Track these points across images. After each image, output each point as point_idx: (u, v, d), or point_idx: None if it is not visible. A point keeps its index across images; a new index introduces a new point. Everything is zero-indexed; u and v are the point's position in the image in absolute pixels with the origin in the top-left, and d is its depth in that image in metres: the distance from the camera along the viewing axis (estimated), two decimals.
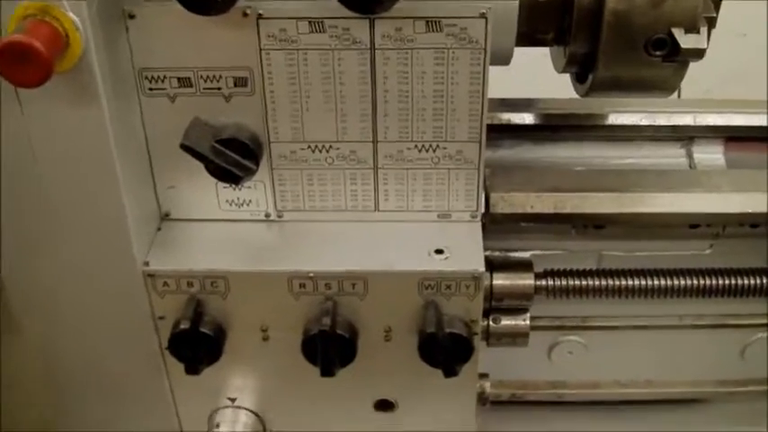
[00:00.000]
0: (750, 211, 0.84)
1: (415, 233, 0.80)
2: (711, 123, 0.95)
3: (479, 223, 0.80)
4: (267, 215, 0.81)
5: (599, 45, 0.72)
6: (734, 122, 0.96)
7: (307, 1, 0.70)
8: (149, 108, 0.75)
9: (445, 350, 0.77)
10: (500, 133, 0.93)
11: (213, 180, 0.76)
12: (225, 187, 0.79)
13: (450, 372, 0.77)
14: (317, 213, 0.81)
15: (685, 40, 0.70)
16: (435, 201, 0.80)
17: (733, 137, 0.96)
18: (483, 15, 0.70)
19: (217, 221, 0.81)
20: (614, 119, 0.92)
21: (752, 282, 0.85)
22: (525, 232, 0.86)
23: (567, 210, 0.82)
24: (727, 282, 0.84)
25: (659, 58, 0.72)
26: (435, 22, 0.70)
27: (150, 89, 0.74)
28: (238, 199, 0.80)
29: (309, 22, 0.71)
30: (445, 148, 0.77)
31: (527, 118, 0.94)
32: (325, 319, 0.76)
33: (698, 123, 0.94)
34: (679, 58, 0.71)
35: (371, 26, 0.71)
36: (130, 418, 0.88)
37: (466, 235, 0.80)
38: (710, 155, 0.94)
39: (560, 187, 0.83)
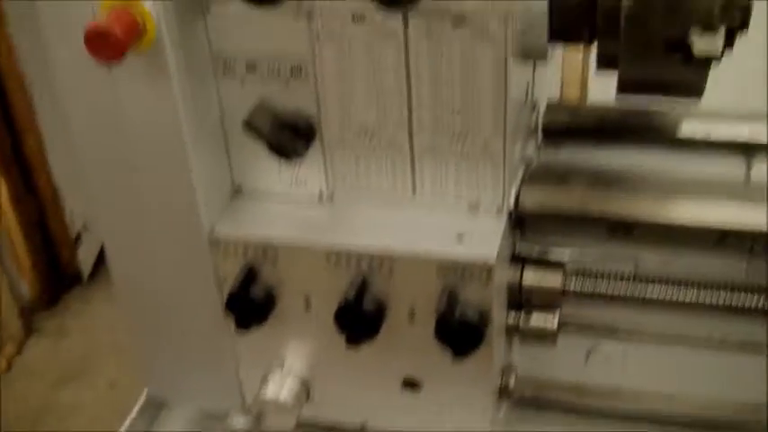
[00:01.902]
0: None
1: (444, 220, 0.85)
2: None
3: (505, 217, 0.84)
4: (320, 193, 0.89)
5: (620, 46, 0.74)
6: None
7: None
8: (224, 89, 0.86)
9: (455, 334, 0.81)
10: (560, 135, 0.97)
11: (274, 159, 0.85)
12: (287, 167, 0.88)
13: (457, 353, 0.81)
14: (362, 194, 0.88)
15: (699, 42, 0.70)
16: (466, 191, 0.85)
17: None
18: (505, 15, 0.75)
19: (278, 196, 0.90)
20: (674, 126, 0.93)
21: None
22: (562, 233, 0.88)
23: (593, 209, 0.83)
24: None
25: (678, 59, 0.73)
26: (461, 19, 0.76)
27: (224, 72, 0.85)
28: (297, 177, 0.89)
29: (353, 16, 0.78)
30: (473, 141, 0.82)
31: (585, 121, 0.97)
32: (351, 292, 0.83)
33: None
34: (695, 60, 0.71)
35: (405, 22, 0.77)
36: (197, 374, 0.99)
37: (489, 226, 0.84)
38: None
39: (592, 187, 0.85)
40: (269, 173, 0.90)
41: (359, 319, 0.83)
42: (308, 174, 0.89)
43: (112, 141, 0.85)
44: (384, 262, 0.83)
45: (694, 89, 0.76)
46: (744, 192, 0.87)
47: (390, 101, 0.82)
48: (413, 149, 0.84)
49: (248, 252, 0.87)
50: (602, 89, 0.86)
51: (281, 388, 0.92)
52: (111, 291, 0.96)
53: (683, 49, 0.72)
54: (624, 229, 0.84)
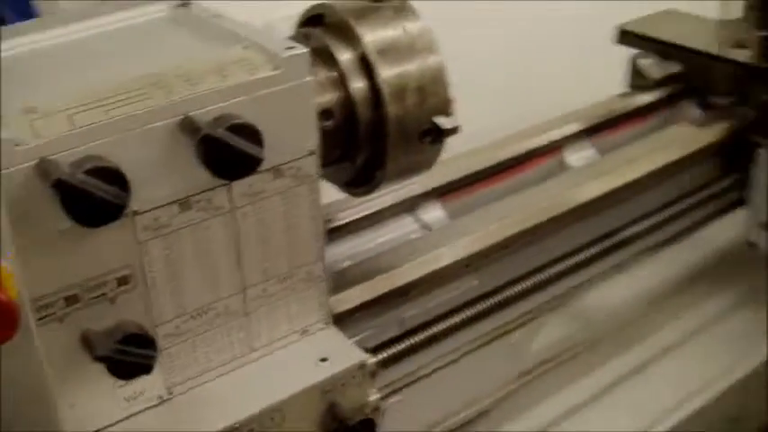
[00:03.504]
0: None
1: (295, 354, 0.90)
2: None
3: (333, 326, 0.93)
4: (160, 397, 0.84)
5: (386, 148, 0.91)
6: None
7: (174, 182, 0.77)
8: (42, 336, 0.75)
9: None
10: None
11: (108, 385, 0.79)
12: (120, 386, 0.81)
13: None
14: (204, 376, 0.86)
15: (445, 124, 0.92)
16: (297, 321, 0.90)
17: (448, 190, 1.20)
18: (311, 152, 0.84)
19: (119, 422, 0.82)
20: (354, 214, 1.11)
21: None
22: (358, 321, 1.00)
23: (381, 291, 0.99)
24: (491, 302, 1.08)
25: (428, 143, 0.93)
26: (278, 169, 0.82)
27: (40, 318, 0.75)
28: (133, 392, 0.82)
29: (179, 204, 0.78)
30: (298, 274, 0.88)
31: None
32: None
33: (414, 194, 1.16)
34: (441, 139, 0.93)
35: (229, 191, 0.81)
36: None
37: (332, 338, 0.92)
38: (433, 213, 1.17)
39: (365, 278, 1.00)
40: (102, 405, 0.81)
41: None
42: (142, 383, 0.82)
43: None
44: (274, 415, 0.84)
45: (431, 163, 0.96)
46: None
47: (223, 273, 0.84)
48: (246, 308, 0.86)
49: None
50: None
51: None
52: None
53: (433, 132, 0.91)
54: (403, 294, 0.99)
